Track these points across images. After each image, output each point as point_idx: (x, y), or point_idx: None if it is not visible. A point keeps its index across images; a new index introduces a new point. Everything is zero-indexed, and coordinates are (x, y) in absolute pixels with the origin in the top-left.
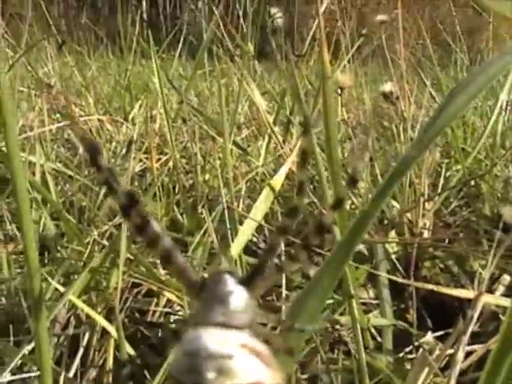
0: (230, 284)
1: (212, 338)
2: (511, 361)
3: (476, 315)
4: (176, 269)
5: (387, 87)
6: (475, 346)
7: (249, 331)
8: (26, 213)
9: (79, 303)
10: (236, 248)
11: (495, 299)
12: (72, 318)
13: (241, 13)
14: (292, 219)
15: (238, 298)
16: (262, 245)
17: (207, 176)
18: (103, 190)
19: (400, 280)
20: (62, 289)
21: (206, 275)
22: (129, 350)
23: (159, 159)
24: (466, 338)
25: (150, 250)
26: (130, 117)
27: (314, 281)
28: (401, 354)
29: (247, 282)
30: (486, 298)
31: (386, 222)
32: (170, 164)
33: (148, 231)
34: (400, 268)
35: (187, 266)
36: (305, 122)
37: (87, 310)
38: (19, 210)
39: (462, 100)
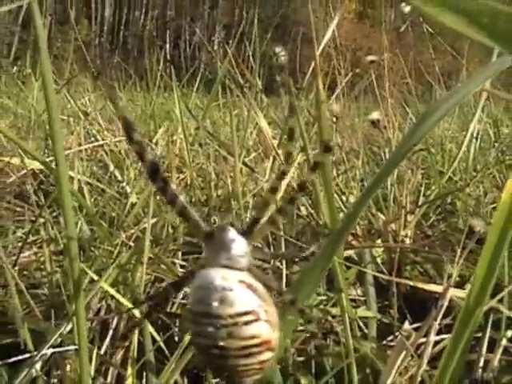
0: (232, 234)
1: (217, 276)
2: (465, 343)
3: (445, 305)
4: (191, 222)
5: (375, 115)
6: (446, 336)
7: (247, 272)
8: (69, 216)
9: (110, 289)
10: None
11: (461, 292)
12: (103, 306)
13: (251, 53)
14: (281, 179)
15: (239, 245)
16: (266, 249)
17: (219, 191)
18: (130, 201)
19: (384, 276)
20: (95, 277)
21: (213, 228)
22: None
23: (178, 177)
24: (436, 324)
25: (171, 206)
26: (154, 140)
27: (307, 267)
28: (383, 343)
29: (246, 233)
30: (453, 292)
31: (373, 231)
32: (188, 181)
33: (168, 192)
34: (384, 270)
35: (200, 220)
36: (290, 107)
37: (116, 295)
38: (64, 215)
39: (432, 121)
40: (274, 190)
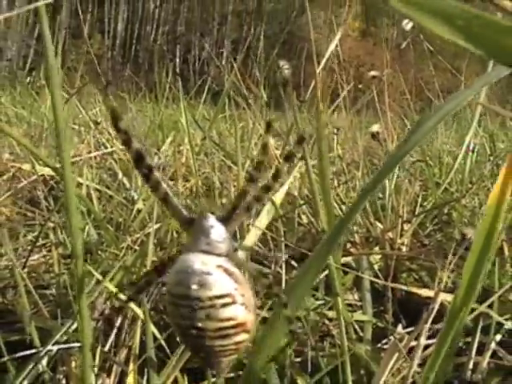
0: (212, 221)
1: (196, 260)
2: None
3: (435, 308)
4: (173, 209)
5: (375, 128)
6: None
7: (225, 257)
8: (75, 221)
9: (113, 288)
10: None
11: (452, 297)
12: (107, 307)
13: (256, 68)
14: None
15: (217, 231)
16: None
17: (224, 200)
18: (136, 207)
19: (379, 281)
20: (100, 277)
21: (194, 215)
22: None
23: (185, 185)
24: (427, 326)
25: (154, 193)
26: (162, 150)
27: (304, 267)
28: (377, 345)
29: (225, 220)
30: (444, 296)
31: (370, 239)
32: (194, 189)
33: (152, 179)
34: (381, 277)
35: (181, 207)
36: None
37: (120, 294)
38: (68, 219)
39: (427, 127)
40: (251, 179)
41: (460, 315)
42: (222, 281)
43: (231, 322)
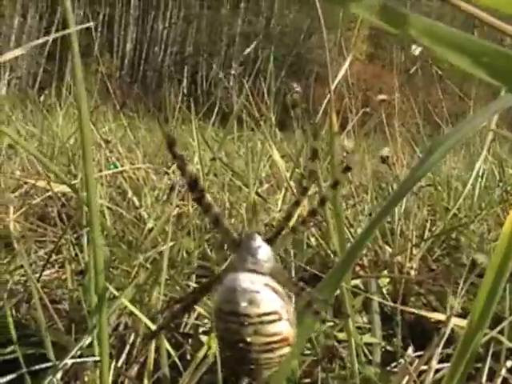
0: (258, 241)
1: (245, 279)
2: (463, 370)
3: (447, 333)
4: (222, 230)
5: (385, 152)
6: (447, 364)
7: (271, 276)
8: (97, 238)
9: (128, 304)
10: None
11: (463, 322)
12: (121, 322)
13: (265, 89)
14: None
15: (264, 252)
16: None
17: (233, 220)
18: (147, 226)
19: (388, 303)
20: (116, 292)
21: (241, 235)
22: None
23: (193, 205)
24: (438, 350)
25: (205, 215)
26: (171, 170)
27: (316, 291)
28: (387, 368)
29: (270, 240)
30: (455, 320)
31: (379, 263)
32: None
33: (204, 203)
34: (389, 300)
35: (230, 228)
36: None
37: (134, 310)
38: (92, 237)
39: (438, 154)
40: (297, 203)
41: (474, 341)
42: (269, 298)
43: (277, 337)
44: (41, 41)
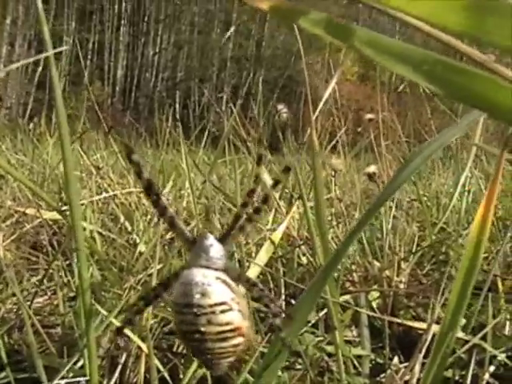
0: (211, 240)
1: (198, 274)
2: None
3: (428, 339)
4: (178, 231)
5: (371, 169)
6: None
7: (223, 271)
8: (82, 255)
9: (116, 322)
10: None
11: None
12: (112, 345)
13: (256, 112)
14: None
15: (216, 249)
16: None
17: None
18: (138, 249)
19: (377, 315)
20: (105, 313)
21: (195, 235)
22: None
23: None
24: (420, 356)
25: (161, 217)
26: (163, 193)
27: (300, 299)
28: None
29: (222, 239)
30: (436, 328)
31: (369, 277)
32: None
33: (160, 205)
34: (379, 314)
35: (185, 229)
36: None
37: (126, 331)
38: (76, 252)
39: (419, 160)
40: (245, 205)
41: (446, 341)
42: (220, 290)
43: (229, 326)
44: (22, 62)
